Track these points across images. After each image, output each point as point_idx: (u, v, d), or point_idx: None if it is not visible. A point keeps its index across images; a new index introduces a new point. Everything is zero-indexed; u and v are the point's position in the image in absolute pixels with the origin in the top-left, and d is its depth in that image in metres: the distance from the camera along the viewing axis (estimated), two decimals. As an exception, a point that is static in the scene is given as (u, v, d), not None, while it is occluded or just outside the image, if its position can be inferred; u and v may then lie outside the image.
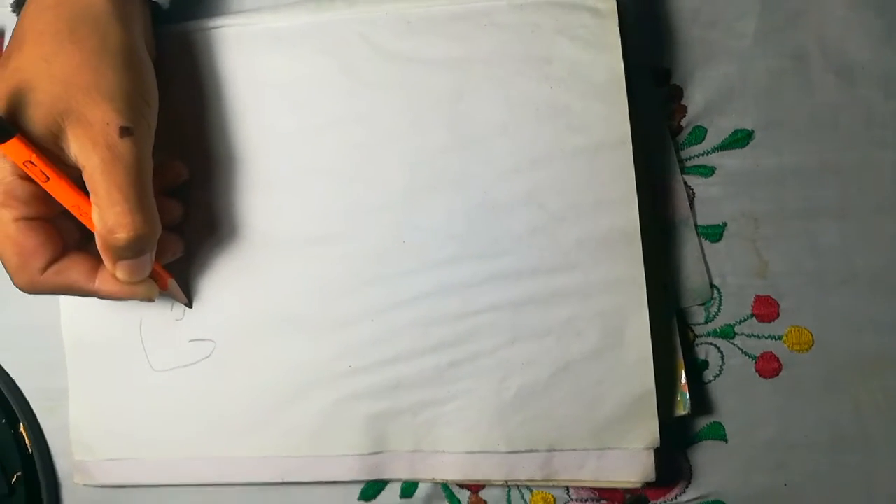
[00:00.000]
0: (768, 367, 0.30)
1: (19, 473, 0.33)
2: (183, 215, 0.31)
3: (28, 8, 0.27)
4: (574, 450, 0.29)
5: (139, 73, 0.27)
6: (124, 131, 0.25)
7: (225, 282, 0.31)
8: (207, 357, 0.31)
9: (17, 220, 0.25)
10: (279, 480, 0.31)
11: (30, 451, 0.33)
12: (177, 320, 0.32)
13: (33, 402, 0.34)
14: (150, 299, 0.28)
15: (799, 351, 0.30)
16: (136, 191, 0.25)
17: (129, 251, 0.26)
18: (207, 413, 0.31)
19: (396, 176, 0.30)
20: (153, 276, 0.28)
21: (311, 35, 0.31)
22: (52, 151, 0.25)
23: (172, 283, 0.30)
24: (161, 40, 0.31)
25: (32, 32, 0.26)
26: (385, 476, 0.30)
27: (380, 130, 0.30)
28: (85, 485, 0.32)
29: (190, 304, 0.31)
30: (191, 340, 0.31)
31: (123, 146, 0.25)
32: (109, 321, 0.32)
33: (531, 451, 0.29)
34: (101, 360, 0.32)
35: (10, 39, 0.26)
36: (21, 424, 0.34)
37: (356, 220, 0.30)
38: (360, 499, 0.32)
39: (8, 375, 0.34)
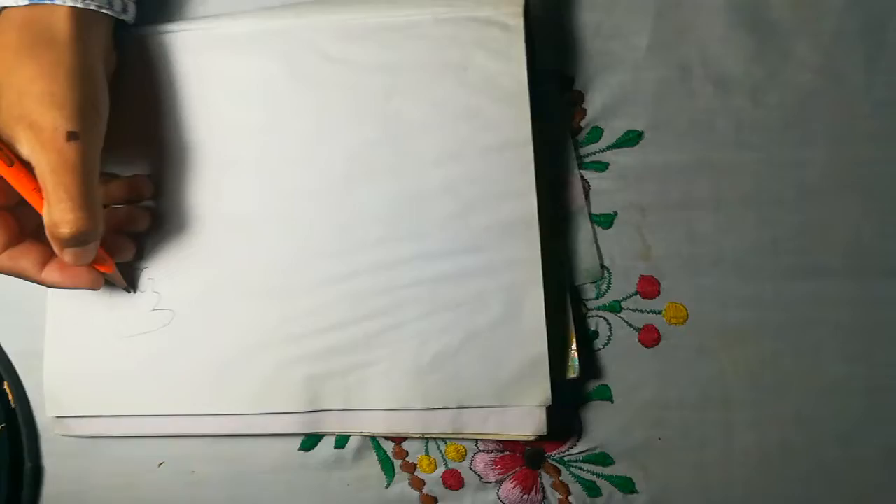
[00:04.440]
0: (649, 337, 0.34)
1: (3, 425, 0.37)
2: (148, 224, 0.34)
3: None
4: (479, 407, 0.33)
5: (92, 86, 0.29)
6: (71, 135, 0.27)
7: (182, 259, 0.35)
8: (167, 325, 0.35)
9: None
10: (230, 433, 0.35)
11: (13, 405, 0.37)
12: (141, 292, 0.36)
13: (16, 361, 0.38)
14: (95, 288, 0.32)
15: (676, 324, 0.34)
16: (81, 191, 0.27)
17: (72, 243, 0.28)
18: (167, 375, 0.35)
19: (334, 165, 0.34)
20: (98, 261, 0.31)
21: (263, 40, 0.35)
22: (8, 152, 0.28)
23: (115, 270, 0.33)
24: (125, 43, 0.34)
25: None
26: (321, 430, 0.34)
27: (321, 125, 0.34)
28: (62, 435, 0.36)
29: (132, 289, 0.35)
30: (152, 310, 0.36)
31: (70, 149, 0.27)
32: (84, 292, 0.36)
33: (443, 408, 0.33)
34: (75, 325, 0.36)
35: None
36: (5, 381, 0.38)
37: (298, 203, 0.34)
38: (300, 448, 0.36)
39: (-7, 338, 0.38)
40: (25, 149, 0.28)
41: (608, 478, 0.34)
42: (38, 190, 0.28)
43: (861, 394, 0.33)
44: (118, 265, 0.33)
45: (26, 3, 0.29)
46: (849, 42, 0.33)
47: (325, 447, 0.36)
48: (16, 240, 0.30)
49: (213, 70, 0.35)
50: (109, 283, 0.34)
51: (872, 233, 0.33)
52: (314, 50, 0.34)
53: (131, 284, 0.35)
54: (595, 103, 0.35)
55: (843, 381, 0.33)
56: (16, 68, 0.28)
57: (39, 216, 0.29)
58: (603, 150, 0.35)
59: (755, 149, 0.34)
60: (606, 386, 0.34)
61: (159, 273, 0.35)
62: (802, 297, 0.33)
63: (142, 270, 0.35)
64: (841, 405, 0.33)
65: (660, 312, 0.34)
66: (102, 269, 0.32)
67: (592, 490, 0.34)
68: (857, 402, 0.33)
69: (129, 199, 0.34)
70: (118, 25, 0.34)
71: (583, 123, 0.35)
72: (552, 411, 0.32)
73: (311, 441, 0.36)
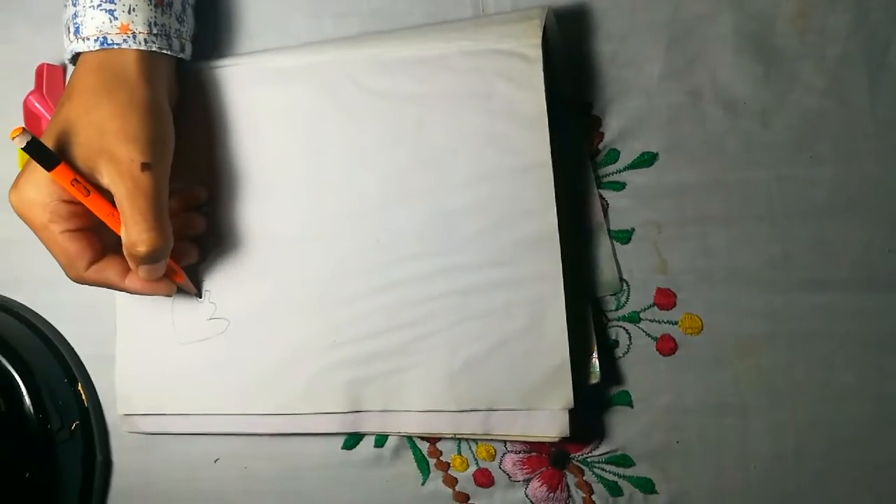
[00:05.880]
0: (666, 346, 0.36)
1: (77, 422, 0.41)
2: (205, 226, 0.39)
3: (78, 67, 0.34)
4: (507, 410, 0.35)
5: (159, 121, 0.34)
6: (145, 166, 0.31)
7: (236, 273, 0.38)
8: (222, 333, 0.39)
9: (63, 232, 0.32)
10: (279, 432, 0.38)
11: (86, 404, 0.41)
12: (199, 302, 0.40)
13: (88, 365, 0.42)
14: (169, 294, 0.36)
15: (691, 334, 0.36)
16: (154, 214, 0.32)
17: (148, 260, 0.32)
18: (222, 378, 0.38)
19: (372, 188, 0.37)
20: (169, 273, 0.35)
21: (306, 73, 0.38)
22: (88, 180, 0.32)
23: (185, 279, 0.37)
24: (183, 77, 0.38)
25: (78, 89, 0.33)
26: (361, 430, 0.37)
27: (359, 151, 0.37)
28: (129, 432, 0.40)
29: (199, 295, 0.39)
30: (209, 319, 0.39)
31: (144, 178, 0.31)
32: (149, 302, 0.40)
33: (473, 410, 0.35)
34: (142, 332, 0.40)
35: (64, 93, 0.34)
36: (79, 383, 0.42)
37: (340, 223, 0.37)
38: (342, 447, 0.39)
39: (69, 343, 0.42)
40: (105, 178, 0.32)
41: (629, 478, 0.36)
42: (114, 213, 0.32)
43: (872, 400, 0.34)
44: (185, 272, 0.37)
45: (97, 48, 0.34)
46: (853, 65, 0.35)
47: (366, 446, 0.39)
48: (100, 255, 0.34)
49: (260, 101, 0.39)
50: (181, 291, 0.38)
51: (880, 247, 0.34)
52: (353, 82, 0.38)
53: (198, 290, 0.39)
54: (612, 127, 0.37)
55: (854, 389, 0.34)
56: (94, 108, 0.32)
57: (117, 235, 0.33)
58: (620, 171, 0.37)
59: (765, 168, 0.35)
60: (626, 392, 0.36)
61: (215, 286, 0.39)
62: (813, 308, 0.35)
63: (202, 283, 0.39)
64: (853, 412, 0.34)
65: (676, 323, 0.36)
66: (175, 279, 0.36)
67: (614, 490, 0.36)
68: (868, 409, 0.34)
69: (187, 207, 0.38)
70: (178, 63, 0.38)
71: (601, 146, 0.37)
72: (575, 415, 0.34)
73: (352, 440, 0.39)
